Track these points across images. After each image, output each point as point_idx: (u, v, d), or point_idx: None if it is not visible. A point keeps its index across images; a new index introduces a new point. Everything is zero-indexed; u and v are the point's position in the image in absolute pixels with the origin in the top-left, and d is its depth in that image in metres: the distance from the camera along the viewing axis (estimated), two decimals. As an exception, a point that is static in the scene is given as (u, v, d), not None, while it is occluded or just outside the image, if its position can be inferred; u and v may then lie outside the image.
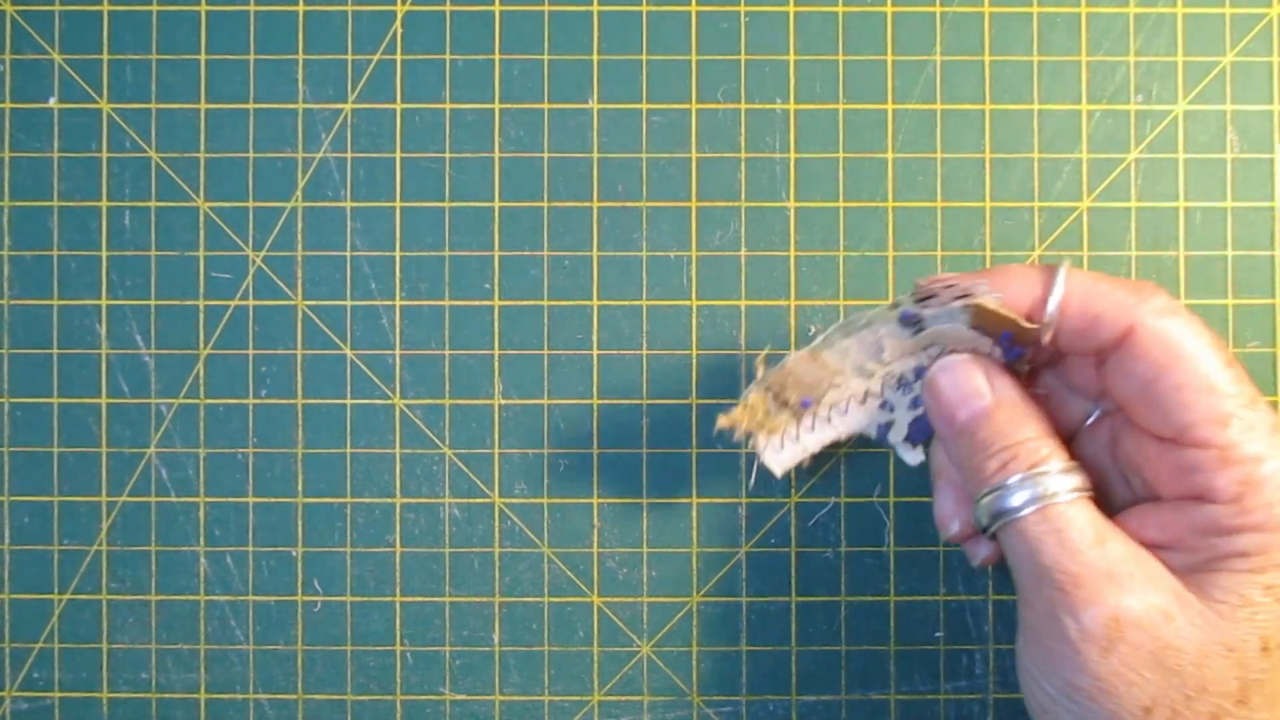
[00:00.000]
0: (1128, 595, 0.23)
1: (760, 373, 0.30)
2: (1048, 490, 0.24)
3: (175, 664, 0.34)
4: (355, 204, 0.34)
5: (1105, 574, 0.23)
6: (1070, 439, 0.28)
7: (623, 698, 0.34)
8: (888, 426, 0.30)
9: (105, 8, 0.34)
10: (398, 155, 0.34)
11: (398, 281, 0.34)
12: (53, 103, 0.34)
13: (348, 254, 0.34)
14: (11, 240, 0.34)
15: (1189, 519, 0.24)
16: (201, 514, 0.34)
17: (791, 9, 0.35)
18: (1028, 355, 0.28)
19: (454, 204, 0.34)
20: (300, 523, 0.34)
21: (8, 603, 0.34)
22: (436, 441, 0.34)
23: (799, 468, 0.31)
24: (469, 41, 0.34)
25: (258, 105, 0.34)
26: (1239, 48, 0.35)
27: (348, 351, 0.35)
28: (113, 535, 0.34)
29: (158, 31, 0.34)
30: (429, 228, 0.34)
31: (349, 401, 0.34)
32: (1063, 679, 0.23)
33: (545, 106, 0.35)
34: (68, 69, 0.34)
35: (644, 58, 0.35)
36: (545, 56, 0.35)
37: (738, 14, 0.35)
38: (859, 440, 0.31)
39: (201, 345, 0.34)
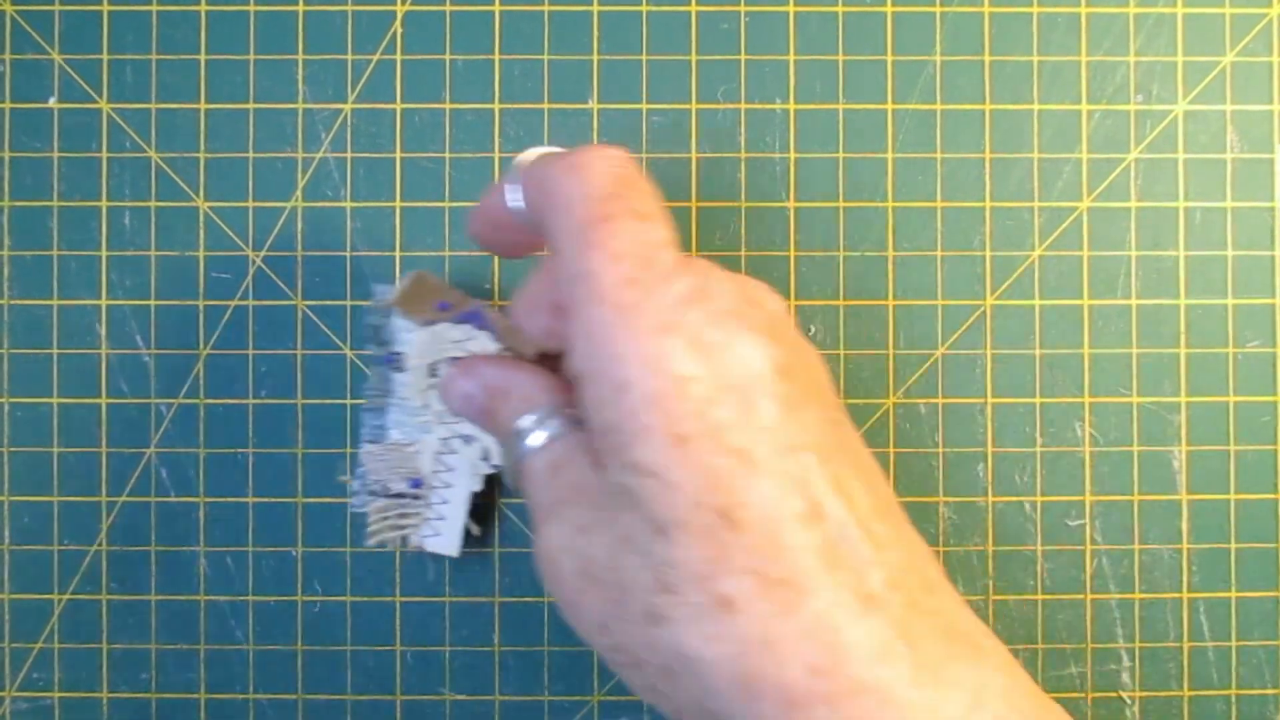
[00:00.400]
0: (555, 523, 0.23)
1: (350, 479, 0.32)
2: (520, 448, 0.25)
3: (175, 664, 0.34)
4: (355, 204, 0.34)
5: (548, 507, 0.23)
6: None
7: (623, 698, 0.34)
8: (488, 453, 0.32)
9: (105, 8, 0.34)
10: (398, 155, 0.34)
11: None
12: (53, 103, 0.34)
13: (348, 254, 0.34)
14: (11, 240, 0.34)
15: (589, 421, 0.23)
16: (201, 514, 0.34)
17: (791, 9, 0.35)
18: (481, 312, 0.30)
19: (454, 204, 0.34)
20: (300, 523, 0.34)
21: (8, 603, 0.34)
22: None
23: (470, 535, 0.32)
24: (469, 41, 0.34)
25: (258, 105, 0.34)
26: (1239, 48, 0.35)
27: (347, 351, 0.35)
28: (113, 535, 0.34)
29: (158, 31, 0.34)
30: (429, 228, 0.34)
31: (349, 401, 0.34)
32: (559, 601, 0.23)
33: (545, 106, 0.35)
34: (68, 69, 0.34)
35: (644, 58, 0.35)
36: (545, 56, 0.35)
37: (738, 14, 0.35)
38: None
39: (201, 345, 0.34)
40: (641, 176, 0.23)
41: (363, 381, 0.34)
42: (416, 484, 0.33)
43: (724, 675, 0.20)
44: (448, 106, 0.35)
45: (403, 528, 0.33)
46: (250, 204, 0.34)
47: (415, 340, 0.31)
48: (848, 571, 0.20)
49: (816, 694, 0.19)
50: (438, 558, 0.34)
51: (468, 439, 0.33)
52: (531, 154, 0.25)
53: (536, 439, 0.25)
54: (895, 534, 0.21)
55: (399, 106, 0.35)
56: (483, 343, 0.31)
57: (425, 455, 0.33)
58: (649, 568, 0.20)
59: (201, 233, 0.34)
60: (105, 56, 0.34)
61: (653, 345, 0.20)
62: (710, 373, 0.20)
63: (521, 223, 0.25)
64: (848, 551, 0.20)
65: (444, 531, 0.33)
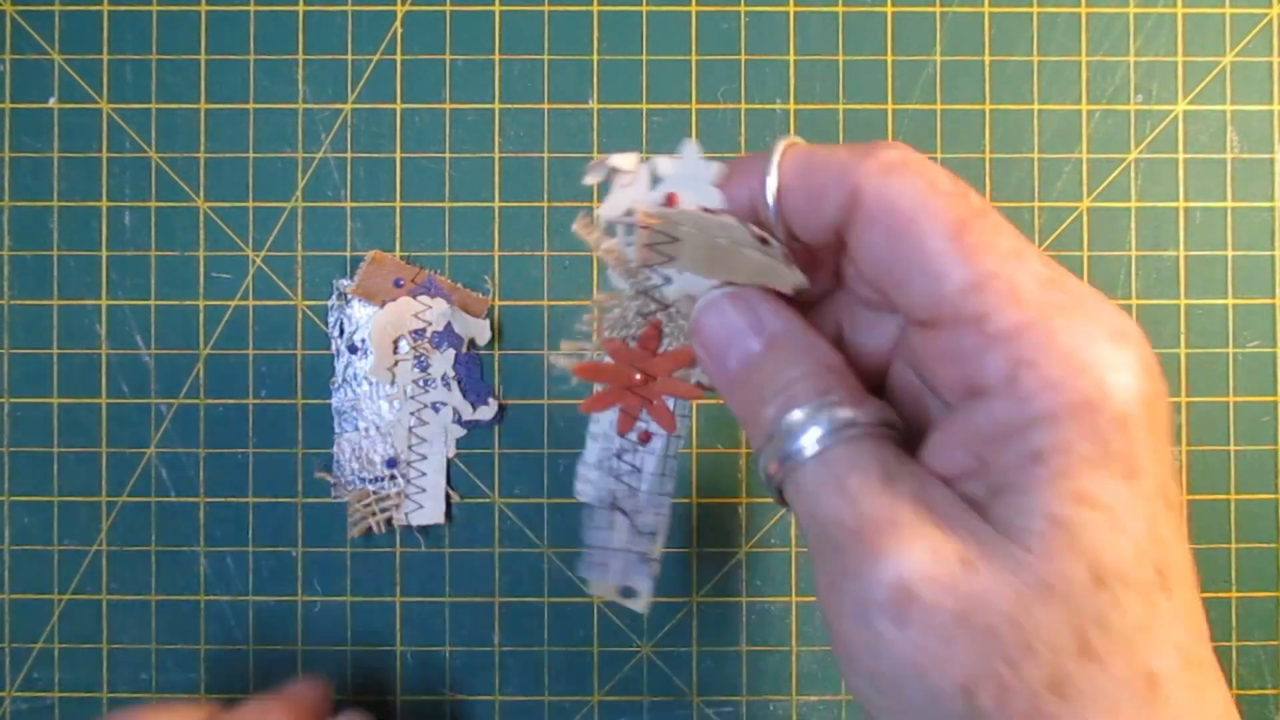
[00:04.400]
0: (914, 546, 0.17)
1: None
2: (827, 431, 0.19)
3: (175, 664, 0.34)
4: (355, 204, 0.34)
5: (888, 523, 0.18)
6: (884, 368, 0.23)
7: (622, 698, 0.34)
8: None
9: (105, 8, 0.34)
10: (398, 155, 0.34)
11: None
12: (53, 103, 0.34)
13: (347, 254, 0.34)
14: (11, 240, 0.34)
15: (973, 426, 0.18)
16: (201, 514, 0.34)
17: (791, 9, 0.35)
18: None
19: (454, 204, 0.34)
20: (300, 523, 0.34)
21: (8, 603, 0.34)
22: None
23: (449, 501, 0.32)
24: (469, 41, 0.34)
25: (258, 105, 0.34)
26: (1239, 48, 0.35)
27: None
28: (113, 535, 0.34)
29: (158, 31, 0.34)
30: (429, 228, 0.34)
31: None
32: (864, 667, 0.18)
33: (545, 106, 0.35)
34: (68, 69, 0.34)
35: (644, 58, 0.35)
36: (545, 56, 0.35)
37: (738, 14, 0.35)
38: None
39: (201, 345, 0.34)
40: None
41: (329, 376, 0.34)
42: (392, 464, 0.33)
43: None
44: (448, 106, 0.35)
45: (384, 511, 0.33)
46: (250, 204, 0.34)
47: (377, 322, 0.32)
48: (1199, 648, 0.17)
49: None
50: (431, 559, 0.34)
51: (437, 407, 0.33)
52: (779, 150, 0.21)
53: (855, 424, 0.19)
54: None
55: (399, 106, 0.35)
56: (441, 309, 0.32)
57: (398, 433, 0.33)
58: (1071, 622, 0.16)
59: (201, 233, 0.34)
60: (105, 56, 0.34)
61: (1111, 353, 0.17)
62: (1156, 401, 0.17)
63: (765, 216, 0.21)
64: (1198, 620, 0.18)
65: (426, 504, 0.33)
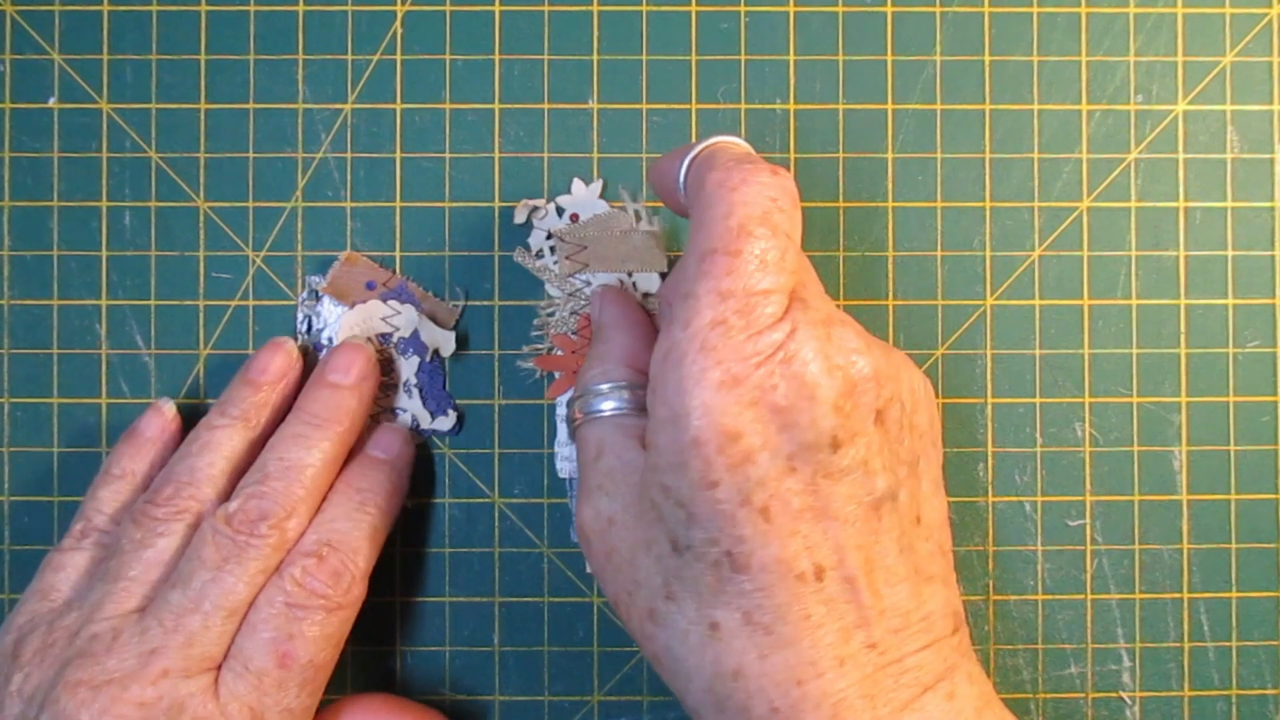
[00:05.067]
0: (588, 506, 0.26)
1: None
2: (581, 410, 0.28)
3: (175, 664, 0.34)
4: (355, 204, 0.34)
5: (586, 488, 0.26)
6: None
7: (623, 698, 0.34)
8: None
9: (105, 8, 0.34)
10: (398, 155, 0.34)
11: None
12: (53, 103, 0.34)
13: (347, 254, 0.34)
14: (11, 240, 0.34)
15: None
16: (201, 514, 0.34)
17: (791, 9, 0.35)
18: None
19: (454, 204, 0.34)
20: (300, 523, 0.34)
21: (7, 602, 0.34)
22: (437, 441, 0.34)
23: (405, 508, 0.33)
24: (469, 41, 0.34)
25: (258, 105, 0.34)
26: (1239, 48, 0.35)
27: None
28: (113, 535, 0.34)
29: (158, 31, 0.34)
30: (429, 228, 0.34)
31: (349, 401, 0.34)
32: (586, 551, 0.27)
33: (545, 106, 0.35)
34: (68, 69, 0.34)
35: (644, 58, 0.35)
36: (545, 56, 0.35)
37: (738, 14, 0.35)
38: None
39: (201, 345, 0.34)
40: (790, 212, 0.23)
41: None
42: None
43: (699, 686, 0.23)
44: (448, 106, 0.35)
45: None
46: (250, 204, 0.34)
47: (345, 322, 0.33)
48: (830, 632, 0.22)
49: None
50: (431, 559, 0.34)
51: (397, 412, 0.33)
52: (716, 141, 0.26)
53: (599, 406, 0.27)
54: (907, 597, 0.23)
55: (399, 106, 0.35)
56: (409, 315, 0.33)
57: None
58: (660, 574, 0.23)
59: (201, 233, 0.34)
60: (105, 56, 0.34)
61: (714, 394, 0.22)
62: (758, 432, 0.22)
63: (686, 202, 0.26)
64: (838, 613, 0.22)
65: None
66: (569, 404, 0.29)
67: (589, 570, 0.26)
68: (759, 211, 0.23)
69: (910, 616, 0.23)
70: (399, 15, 0.35)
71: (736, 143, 0.26)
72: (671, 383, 0.22)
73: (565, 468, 0.34)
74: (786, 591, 0.22)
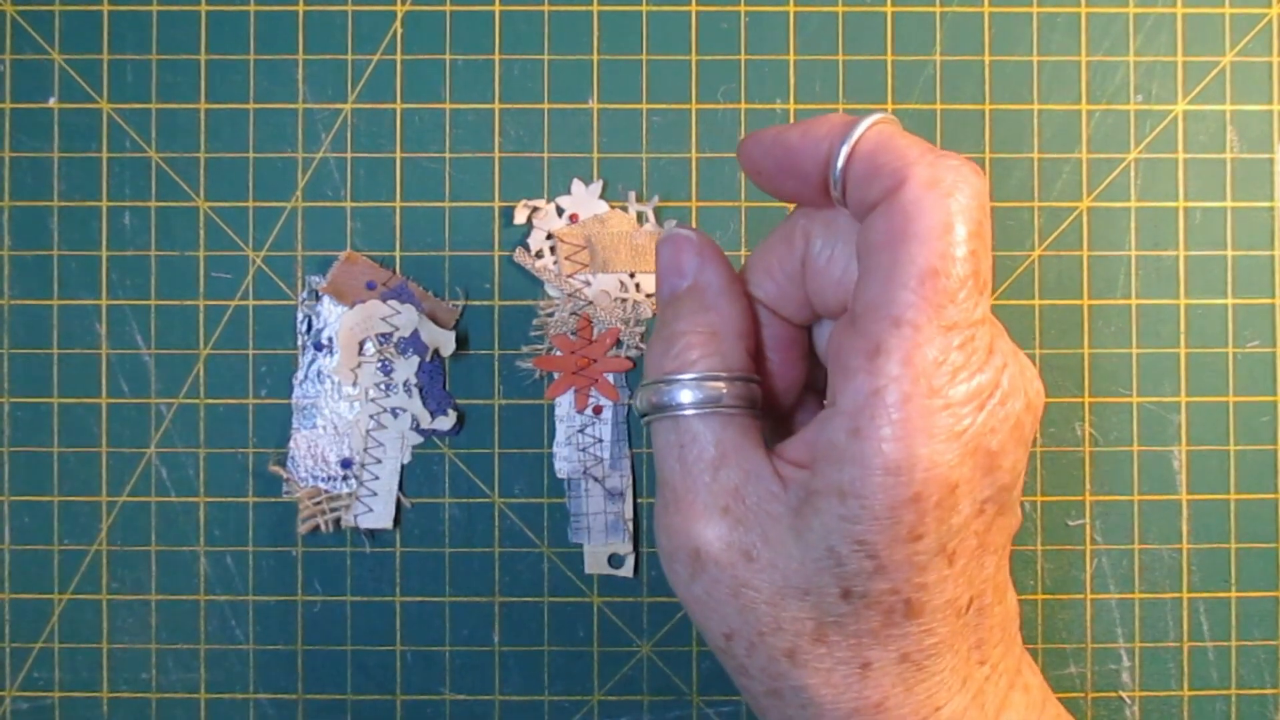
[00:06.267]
0: (712, 529, 0.21)
1: None
2: (686, 400, 0.22)
3: (175, 664, 0.34)
4: (355, 204, 0.34)
5: (704, 503, 0.21)
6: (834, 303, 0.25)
7: (623, 698, 0.34)
8: None
9: (105, 8, 0.34)
10: (398, 155, 0.34)
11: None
12: (53, 103, 0.34)
13: (347, 254, 0.34)
14: (11, 240, 0.34)
15: (819, 431, 0.21)
16: (201, 514, 0.34)
17: (791, 9, 0.35)
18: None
19: (454, 204, 0.34)
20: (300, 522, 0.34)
21: (8, 603, 0.34)
22: (437, 442, 0.34)
23: (401, 506, 0.34)
24: (469, 41, 0.34)
25: (258, 105, 0.34)
26: (1239, 48, 0.35)
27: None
28: (113, 535, 0.34)
29: (158, 31, 0.34)
30: (429, 228, 0.34)
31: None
32: (672, 583, 0.22)
33: (545, 106, 0.35)
34: (68, 69, 0.34)
35: (644, 58, 0.35)
36: (545, 56, 0.35)
37: (738, 14, 0.35)
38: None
39: (201, 345, 0.34)
40: (988, 222, 0.21)
41: (292, 373, 0.34)
42: (347, 464, 0.33)
43: (831, 717, 0.21)
44: (448, 106, 0.35)
45: (334, 510, 0.34)
46: (250, 204, 0.34)
47: (345, 322, 0.33)
48: (959, 654, 0.21)
49: None
50: (431, 559, 0.34)
51: (396, 412, 0.33)
52: (879, 120, 0.21)
53: (714, 395, 0.22)
54: (1002, 607, 0.22)
55: (399, 106, 0.34)
56: (409, 315, 0.33)
57: (355, 435, 0.33)
58: (814, 618, 0.21)
59: (201, 233, 0.34)
60: (105, 56, 0.34)
61: (942, 446, 0.19)
62: (968, 479, 0.20)
63: (823, 183, 0.22)
64: (967, 637, 0.21)
65: (376, 507, 0.33)
66: (646, 385, 0.23)
67: (686, 597, 0.22)
68: (975, 225, 0.20)
69: (1004, 623, 0.22)
70: (399, 15, 0.35)
71: (894, 120, 0.21)
72: (890, 429, 0.19)
73: (565, 468, 0.34)
74: (947, 628, 0.21)
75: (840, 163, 0.21)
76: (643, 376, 0.23)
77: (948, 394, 0.19)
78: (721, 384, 0.22)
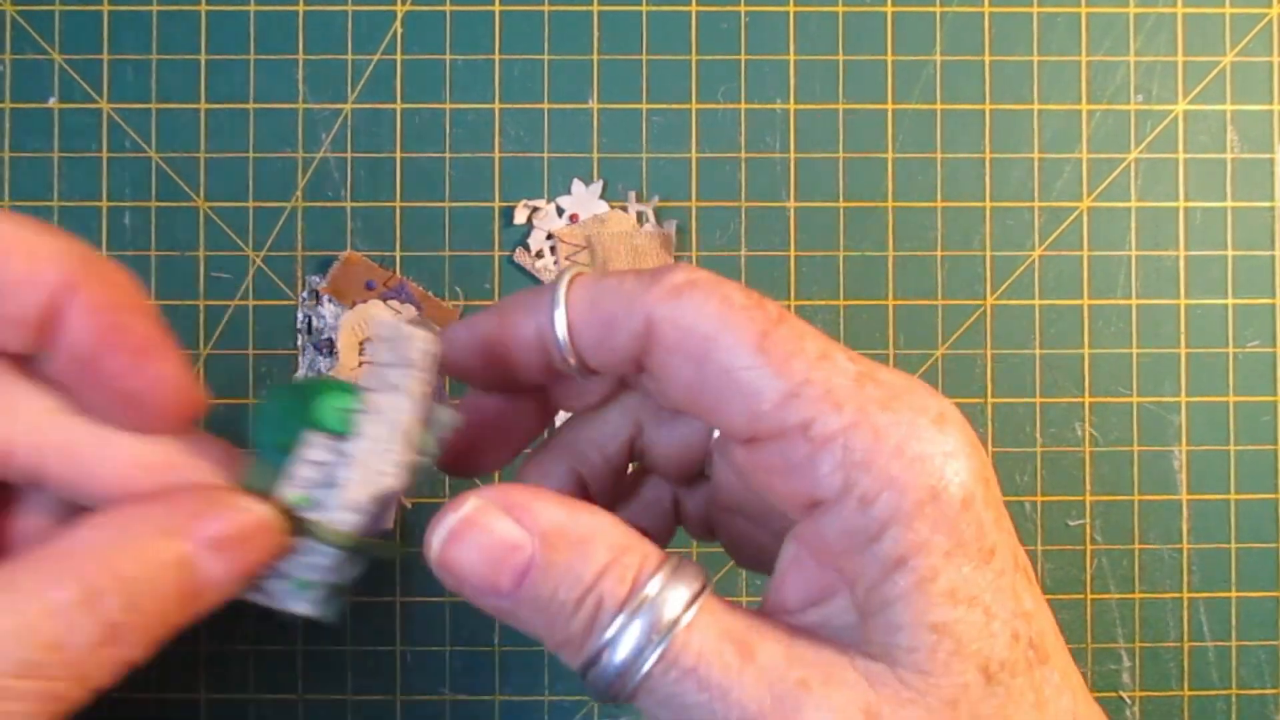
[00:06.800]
0: (815, 715, 0.16)
1: None
2: (654, 626, 0.17)
3: (175, 664, 0.34)
4: (355, 204, 0.34)
5: (773, 702, 0.16)
6: (695, 462, 0.22)
7: (623, 698, 0.34)
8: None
9: (105, 8, 0.34)
10: (398, 155, 0.34)
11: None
12: (53, 103, 0.34)
13: (347, 254, 0.34)
14: (11, 240, 0.34)
15: (823, 540, 0.18)
16: (201, 514, 0.34)
17: (791, 9, 0.35)
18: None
19: (454, 204, 0.34)
20: (300, 523, 0.34)
21: (8, 603, 0.34)
22: (436, 441, 0.34)
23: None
24: (469, 41, 0.34)
25: (258, 105, 0.34)
26: (1239, 48, 0.35)
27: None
28: (113, 535, 0.34)
29: (158, 31, 0.34)
30: (429, 228, 0.34)
31: (349, 401, 0.34)
32: None
33: (545, 106, 0.35)
34: (68, 69, 0.34)
35: (644, 58, 0.35)
36: (545, 56, 0.35)
37: (738, 14, 0.35)
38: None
39: (201, 345, 0.34)
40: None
41: (292, 373, 0.34)
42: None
43: None
44: (448, 106, 0.35)
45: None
46: (250, 204, 0.34)
47: (345, 322, 0.33)
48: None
49: None
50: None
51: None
52: (565, 277, 0.19)
53: (683, 603, 0.17)
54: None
55: (399, 106, 0.34)
56: (409, 315, 0.33)
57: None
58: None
59: (201, 233, 0.34)
60: (105, 56, 0.34)
61: (948, 439, 0.17)
62: (987, 465, 0.18)
63: (557, 358, 0.19)
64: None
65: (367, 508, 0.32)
66: (598, 645, 0.17)
67: None
68: (756, 296, 0.19)
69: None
70: (399, 15, 0.35)
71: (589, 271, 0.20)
72: (892, 453, 0.17)
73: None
74: (1016, 666, 0.17)
75: (561, 336, 0.19)
76: (571, 664, 0.19)
77: None
78: (671, 588, 0.17)
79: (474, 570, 0.18)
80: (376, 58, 0.34)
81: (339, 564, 0.20)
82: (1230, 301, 0.35)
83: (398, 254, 0.34)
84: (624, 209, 0.34)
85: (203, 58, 0.34)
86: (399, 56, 0.34)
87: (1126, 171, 0.35)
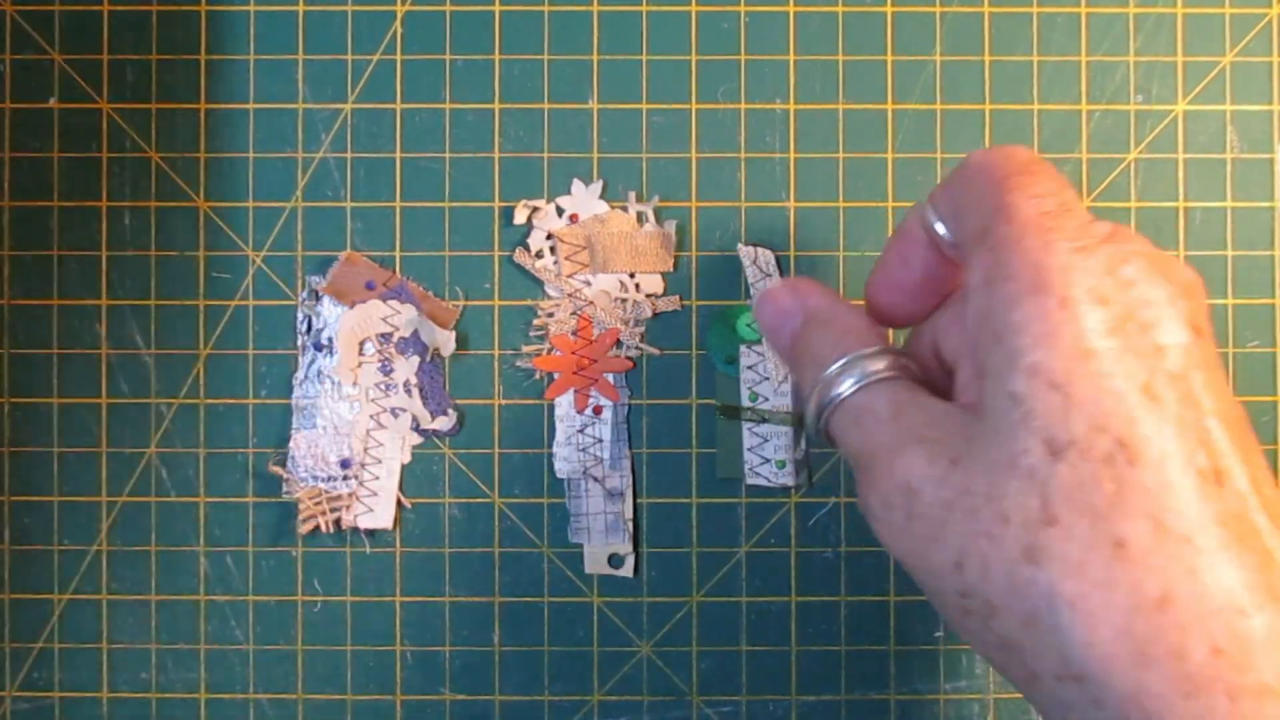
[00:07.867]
0: (914, 456, 0.21)
1: None
2: (853, 381, 0.23)
3: (175, 664, 0.34)
4: (355, 204, 0.34)
5: (897, 446, 0.21)
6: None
7: (622, 698, 0.34)
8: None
9: (105, 8, 0.34)
10: (398, 155, 0.34)
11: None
12: (53, 103, 0.34)
13: (347, 254, 0.34)
14: (11, 240, 0.34)
15: (962, 319, 0.22)
16: (201, 514, 0.34)
17: (791, 9, 0.35)
18: None
19: (454, 204, 0.34)
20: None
21: (8, 603, 0.34)
22: (437, 442, 0.34)
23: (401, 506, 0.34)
24: (469, 41, 0.34)
25: (258, 105, 0.34)
26: (1239, 48, 0.35)
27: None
28: (113, 535, 0.34)
29: (158, 31, 0.34)
30: (429, 228, 0.34)
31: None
32: (896, 552, 0.21)
33: (545, 106, 0.35)
34: (68, 69, 0.34)
35: (644, 58, 0.35)
36: (545, 56, 0.35)
37: (738, 14, 0.35)
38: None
39: (201, 345, 0.34)
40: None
41: (292, 373, 0.34)
42: (347, 464, 0.33)
43: (1105, 630, 0.17)
44: (448, 106, 0.35)
45: (334, 510, 0.34)
46: (250, 204, 0.34)
47: (345, 322, 0.33)
48: (1249, 553, 0.17)
49: (1219, 682, 0.17)
50: (431, 559, 0.34)
51: (396, 412, 0.33)
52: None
53: (873, 373, 0.23)
54: None
55: (399, 106, 0.35)
56: (409, 315, 0.33)
57: (355, 435, 0.33)
58: (1036, 494, 0.18)
59: (201, 233, 0.34)
60: (105, 56, 0.34)
61: (1072, 258, 0.19)
62: (1122, 301, 0.19)
63: (941, 246, 0.24)
64: (1248, 531, 0.18)
65: (376, 507, 0.33)
66: (808, 404, 0.24)
67: (906, 547, 0.21)
68: (1031, 155, 0.23)
69: None
70: (399, 15, 0.35)
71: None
72: (1019, 261, 0.20)
73: (564, 468, 0.34)
74: (1192, 491, 0.18)
75: (932, 218, 0.23)
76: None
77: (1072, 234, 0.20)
78: (869, 360, 0.23)
79: (769, 323, 0.26)
80: (376, 58, 0.34)
81: (794, 438, 0.33)
82: (1230, 301, 0.35)
83: (398, 254, 0.34)
84: (624, 209, 0.34)
85: (203, 58, 0.34)
86: (399, 56, 0.35)
87: (1126, 171, 0.35)
